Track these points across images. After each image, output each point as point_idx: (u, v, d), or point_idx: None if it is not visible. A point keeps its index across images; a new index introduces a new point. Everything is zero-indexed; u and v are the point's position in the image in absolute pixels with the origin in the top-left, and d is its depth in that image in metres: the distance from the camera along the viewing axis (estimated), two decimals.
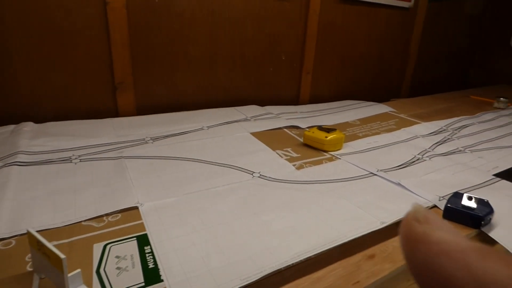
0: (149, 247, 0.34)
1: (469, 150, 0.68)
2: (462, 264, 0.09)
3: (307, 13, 0.95)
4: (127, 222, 0.38)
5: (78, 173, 0.48)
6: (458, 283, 0.09)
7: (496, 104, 1.08)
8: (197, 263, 0.32)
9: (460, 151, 0.67)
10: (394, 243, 0.39)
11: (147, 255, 0.33)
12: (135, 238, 0.35)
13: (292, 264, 0.33)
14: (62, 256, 0.26)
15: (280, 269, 0.32)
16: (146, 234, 0.36)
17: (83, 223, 0.37)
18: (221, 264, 0.32)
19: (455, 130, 0.81)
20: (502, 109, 1.06)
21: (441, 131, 0.80)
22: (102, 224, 0.37)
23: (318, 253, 0.35)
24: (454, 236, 0.10)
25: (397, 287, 0.38)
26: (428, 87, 1.41)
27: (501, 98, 1.07)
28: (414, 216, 0.12)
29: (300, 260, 0.34)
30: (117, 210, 0.40)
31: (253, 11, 0.87)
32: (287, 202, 0.45)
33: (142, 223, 0.38)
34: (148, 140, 0.62)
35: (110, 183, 0.46)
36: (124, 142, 0.60)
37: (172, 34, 0.77)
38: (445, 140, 0.73)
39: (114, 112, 0.75)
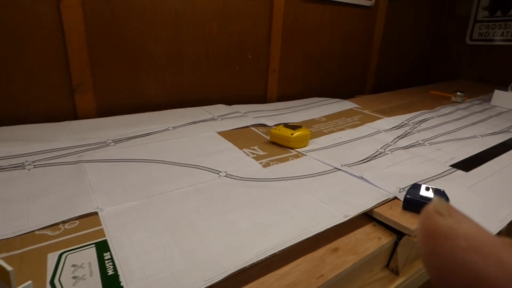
0: (108, 253, 0.33)
1: (428, 143, 0.71)
2: (494, 260, 0.09)
3: (272, 12, 0.96)
4: (85, 229, 0.36)
5: (32, 180, 0.46)
6: (491, 279, 0.09)
7: (453, 98, 1.13)
8: (159, 267, 0.32)
9: (419, 144, 0.70)
10: (357, 236, 0.40)
11: (106, 261, 0.32)
12: (93, 245, 0.34)
13: (257, 261, 0.33)
14: (8, 268, 0.24)
15: (245, 267, 0.32)
16: (105, 240, 0.35)
17: (36, 232, 0.35)
18: (184, 266, 0.32)
19: (416, 124, 0.85)
20: (459, 103, 1.11)
21: (402, 125, 0.83)
22: (57, 232, 0.36)
23: (283, 249, 0.35)
24: (482, 230, 0.10)
25: (360, 278, 0.39)
26: (392, 83, 1.46)
27: (458, 93, 1.13)
28: (436, 209, 0.11)
29: (265, 257, 0.34)
30: (75, 217, 0.38)
31: (217, 9, 0.86)
32: (253, 200, 0.44)
33: (102, 229, 0.37)
34: (110, 143, 0.60)
35: (67, 189, 0.44)
36: (83, 145, 0.58)
37: (133, 33, 0.75)
38: (406, 134, 0.76)
39: (73, 114, 0.72)
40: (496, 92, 1.09)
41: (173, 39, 0.81)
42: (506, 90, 1.09)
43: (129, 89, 0.79)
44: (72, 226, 0.37)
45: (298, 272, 0.34)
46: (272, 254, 0.34)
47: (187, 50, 0.84)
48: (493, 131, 0.82)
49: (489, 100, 1.12)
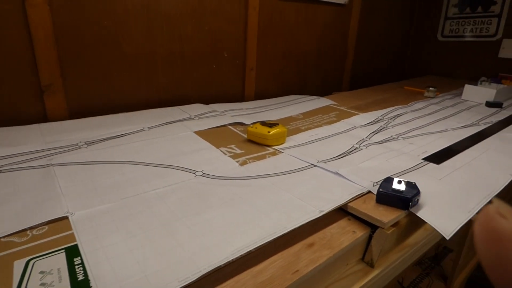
0: (79, 258, 0.32)
1: (401, 137, 0.73)
2: None
3: (247, 10, 0.96)
4: (54, 234, 0.35)
5: None
6: None
7: (426, 94, 1.16)
8: (132, 269, 0.31)
9: (393, 138, 0.72)
10: (332, 230, 0.41)
11: (76, 267, 0.31)
12: (63, 250, 0.33)
13: (232, 260, 0.33)
14: None
15: (220, 266, 0.32)
16: (76, 245, 0.34)
17: (2, 239, 0.34)
18: (158, 268, 0.31)
19: (390, 119, 0.87)
20: (432, 98, 1.15)
21: (377, 121, 0.84)
22: (25, 238, 0.34)
23: (258, 247, 0.35)
24: None
25: (336, 271, 0.40)
26: (368, 79, 1.49)
27: (431, 88, 1.16)
28: (498, 211, 0.10)
29: (240, 255, 0.33)
30: (43, 222, 0.37)
31: (191, 7, 0.85)
32: (229, 199, 0.44)
33: (73, 234, 0.36)
34: (82, 145, 0.59)
35: (36, 194, 0.42)
36: (54, 148, 0.56)
37: (103, 31, 0.73)
38: (381, 129, 0.78)
39: (42, 117, 0.69)
40: (467, 86, 1.13)
41: (147, 38, 0.80)
42: (476, 84, 1.13)
43: (102, 89, 0.77)
44: (41, 232, 0.36)
45: (273, 268, 0.34)
46: (247, 252, 0.34)
47: (161, 49, 0.83)
48: (464, 124, 0.84)
49: (460, 94, 1.16)
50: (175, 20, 0.83)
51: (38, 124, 0.66)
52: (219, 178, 0.50)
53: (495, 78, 1.26)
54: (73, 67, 0.71)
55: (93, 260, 0.32)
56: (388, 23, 1.53)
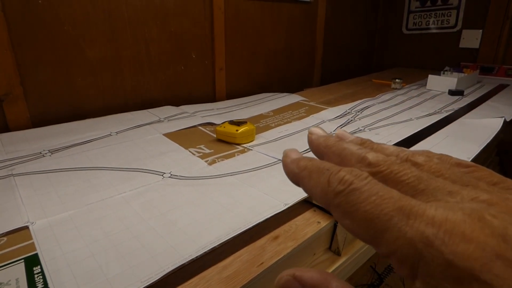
0: (39, 267, 0.31)
1: (368, 129, 0.75)
2: None
3: (212, 10, 0.96)
4: (14, 245, 0.35)
5: None
6: None
7: (393, 85, 1.20)
8: (94, 274, 0.31)
9: (360, 130, 0.74)
10: (297, 222, 0.42)
11: (36, 276, 0.30)
12: (22, 260, 0.32)
13: (196, 257, 0.33)
14: None
15: (184, 264, 0.32)
16: (36, 254, 0.33)
17: None
18: (121, 270, 0.31)
19: (358, 112, 0.89)
20: (398, 89, 1.18)
21: (345, 114, 0.86)
22: None
23: (223, 242, 0.35)
24: None
25: (303, 262, 0.41)
26: (339, 74, 1.51)
27: (397, 80, 1.20)
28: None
29: (204, 252, 0.34)
30: (2, 234, 0.36)
31: (153, 10, 0.84)
32: (196, 198, 0.44)
33: (33, 243, 0.35)
34: (46, 153, 0.57)
35: None
36: (14, 158, 0.54)
37: (64, 36, 0.72)
38: (349, 122, 0.80)
39: (3, 127, 0.67)
40: (430, 76, 1.17)
41: (110, 42, 0.79)
42: (439, 74, 1.17)
43: (66, 95, 0.75)
44: None
45: (239, 263, 0.35)
46: (211, 249, 0.34)
47: (126, 52, 0.82)
48: (427, 113, 0.88)
49: (425, 84, 1.20)
50: (138, 23, 0.82)
51: None
52: (187, 178, 0.50)
53: (457, 67, 1.32)
54: (33, 74, 0.69)
55: (53, 268, 0.31)
56: (355, 18, 1.56)
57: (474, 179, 0.14)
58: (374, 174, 0.14)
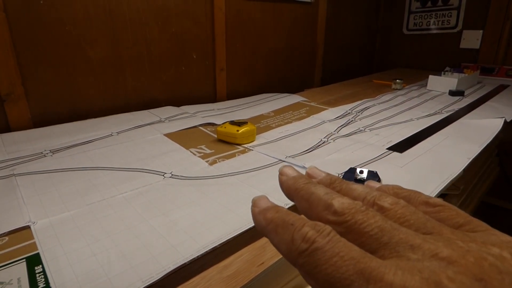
0: (40, 266, 0.32)
1: (368, 129, 0.75)
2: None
3: (213, 11, 0.96)
4: (15, 244, 0.35)
5: None
6: None
7: (393, 86, 1.20)
8: (96, 273, 0.31)
9: (360, 130, 0.74)
10: None
11: (37, 275, 0.31)
12: (24, 260, 0.32)
13: (197, 256, 0.33)
14: None
15: (185, 263, 0.32)
16: (38, 254, 0.33)
17: None
18: (122, 270, 0.31)
19: (358, 112, 0.89)
20: (399, 89, 1.18)
21: (346, 115, 0.86)
22: None
23: (223, 242, 0.35)
24: None
25: None
26: (339, 75, 1.51)
27: (397, 80, 1.20)
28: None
29: (205, 252, 0.34)
30: (4, 233, 0.36)
31: (155, 10, 0.85)
32: (197, 198, 0.45)
33: (34, 243, 0.35)
34: (47, 154, 0.57)
35: None
36: (16, 158, 0.54)
37: (65, 37, 0.72)
38: (349, 122, 0.80)
39: (4, 127, 0.67)
40: (431, 77, 1.17)
41: (111, 42, 0.79)
42: (440, 75, 1.17)
43: (68, 95, 0.75)
44: (1, 243, 0.35)
45: (239, 262, 0.35)
46: (212, 248, 0.34)
47: (127, 52, 0.82)
48: (428, 113, 0.88)
49: (426, 85, 1.20)
50: (140, 23, 0.83)
51: None
52: (188, 178, 0.51)
53: (458, 68, 1.32)
54: (35, 75, 0.70)
55: (54, 267, 0.31)
56: (355, 19, 1.56)
57: (439, 223, 0.15)
58: (339, 224, 0.15)
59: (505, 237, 0.13)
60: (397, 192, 0.17)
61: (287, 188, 0.19)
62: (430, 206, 0.16)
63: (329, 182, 0.19)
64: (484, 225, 0.14)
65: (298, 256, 0.14)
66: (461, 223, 0.15)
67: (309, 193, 0.17)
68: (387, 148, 0.63)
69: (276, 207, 0.17)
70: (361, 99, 1.02)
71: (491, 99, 1.02)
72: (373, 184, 0.20)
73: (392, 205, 0.16)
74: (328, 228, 0.14)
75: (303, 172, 0.22)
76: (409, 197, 0.17)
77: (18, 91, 0.67)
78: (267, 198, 0.19)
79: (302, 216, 0.16)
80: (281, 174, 0.20)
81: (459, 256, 0.12)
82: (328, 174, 0.20)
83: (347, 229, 0.15)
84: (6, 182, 0.47)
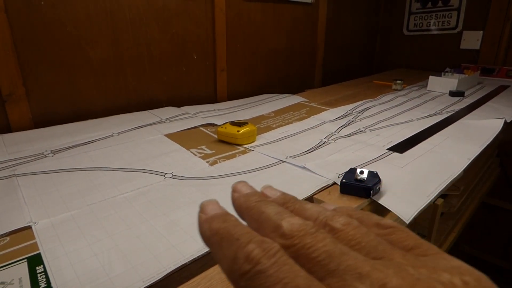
0: (41, 266, 0.32)
1: (369, 130, 0.75)
2: None
3: (213, 11, 0.96)
4: (16, 244, 0.35)
5: None
6: None
7: (394, 86, 1.20)
8: (97, 273, 0.31)
9: (361, 131, 0.74)
10: None
11: (38, 275, 0.31)
12: (25, 260, 0.33)
13: (198, 256, 0.33)
14: None
15: (186, 263, 0.33)
16: (39, 254, 0.33)
17: None
18: (123, 270, 0.31)
19: (359, 113, 0.89)
20: (399, 90, 1.18)
21: (346, 115, 0.86)
22: None
23: None
24: None
25: None
26: (340, 75, 1.51)
27: (398, 81, 1.20)
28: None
29: (206, 252, 0.34)
30: (5, 233, 0.36)
31: (155, 10, 0.85)
32: (198, 198, 0.45)
33: (35, 243, 0.35)
34: (48, 154, 0.58)
35: None
36: (17, 158, 0.55)
37: (66, 37, 0.72)
38: (349, 123, 0.80)
39: (5, 127, 0.68)
40: (431, 78, 1.17)
41: (112, 43, 0.79)
42: (440, 75, 1.17)
43: (69, 96, 0.75)
44: (2, 243, 0.35)
45: None
46: None
47: (128, 53, 0.82)
48: (428, 114, 0.88)
49: (426, 85, 1.20)
50: (140, 24, 0.83)
51: (0, 135, 0.64)
52: (189, 179, 0.51)
53: (458, 68, 1.32)
54: (36, 75, 0.70)
55: (56, 267, 0.31)
56: (356, 19, 1.56)
57: (390, 245, 0.14)
58: (286, 248, 0.14)
59: (455, 261, 0.13)
60: (350, 213, 0.17)
61: (239, 206, 0.18)
62: (382, 228, 0.16)
63: (283, 202, 0.18)
64: (434, 248, 0.14)
65: (240, 278, 0.13)
66: (411, 246, 0.14)
67: (260, 212, 0.16)
68: (387, 149, 0.63)
69: (224, 216, 0.16)
70: (361, 100, 1.02)
71: (491, 100, 1.02)
72: (328, 206, 0.19)
73: (344, 226, 0.15)
74: (276, 246, 0.13)
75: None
76: (362, 218, 0.16)
77: (19, 91, 0.67)
78: (217, 203, 0.17)
79: (251, 230, 0.15)
80: (233, 190, 0.19)
81: (408, 285, 0.12)
82: (283, 193, 0.19)
83: (296, 253, 0.14)
84: (7, 183, 0.47)
